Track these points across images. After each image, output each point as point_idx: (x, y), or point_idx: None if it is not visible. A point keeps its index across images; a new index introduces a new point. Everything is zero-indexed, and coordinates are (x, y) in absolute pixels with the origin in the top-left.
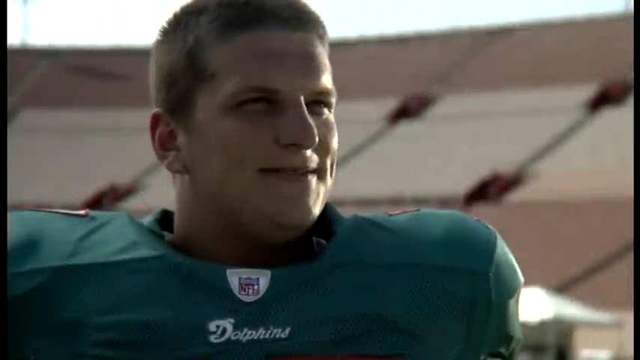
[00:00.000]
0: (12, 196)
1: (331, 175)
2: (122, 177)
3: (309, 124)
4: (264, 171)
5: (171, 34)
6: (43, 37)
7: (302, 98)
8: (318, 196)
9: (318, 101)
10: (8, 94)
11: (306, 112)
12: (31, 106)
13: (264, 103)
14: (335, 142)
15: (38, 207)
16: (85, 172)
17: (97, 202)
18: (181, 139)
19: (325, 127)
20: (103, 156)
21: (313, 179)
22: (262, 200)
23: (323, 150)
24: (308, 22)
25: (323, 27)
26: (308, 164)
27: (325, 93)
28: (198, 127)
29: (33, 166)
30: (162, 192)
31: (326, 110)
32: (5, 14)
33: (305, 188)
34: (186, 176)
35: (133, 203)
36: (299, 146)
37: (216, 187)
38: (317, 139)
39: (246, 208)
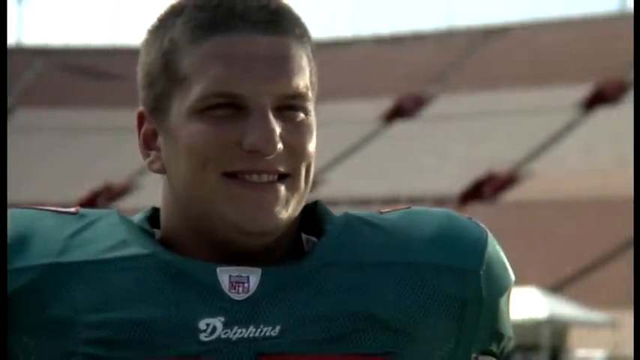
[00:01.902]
0: (8, 194)
1: (307, 180)
2: (117, 176)
3: (270, 131)
4: (227, 175)
5: (154, 34)
6: (38, 36)
7: (267, 103)
8: (288, 203)
9: (290, 105)
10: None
11: (269, 118)
12: (27, 105)
13: (230, 108)
14: (311, 147)
15: (32, 205)
16: (80, 172)
17: (92, 202)
18: (160, 139)
19: (298, 131)
20: (98, 155)
21: (281, 187)
22: (226, 207)
23: (294, 155)
24: (282, 24)
25: (301, 28)
26: (274, 168)
27: (297, 96)
28: (171, 129)
29: (28, 165)
30: (156, 192)
31: (300, 114)
32: (5, 14)
33: (270, 196)
34: (166, 176)
35: (128, 202)
36: (260, 153)
37: (185, 191)
38: (279, 146)
39: (212, 214)
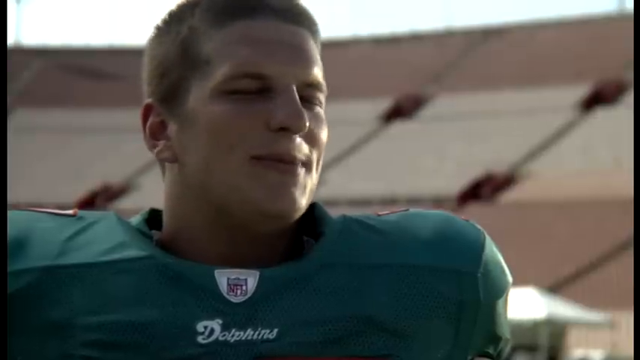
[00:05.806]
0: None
1: (317, 170)
2: (115, 177)
3: (300, 109)
4: (253, 158)
5: (166, 28)
6: (36, 36)
7: (293, 86)
8: (305, 189)
9: (308, 96)
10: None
11: (297, 97)
12: (25, 105)
13: (256, 90)
14: (324, 137)
15: (30, 206)
16: (78, 172)
17: (90, 202)
18: (172, 127)
19: (315, 119)
20: (96, 156)
21: (302, 171)
22: (249, 188)
23: (312, 142)
24: (300, 17)
25: (315, 25)
26: (297, 151)
27: (315, 86)
28: (190, 114)
29: (26, 165)
30: (155, 192)
31: (317, 106)
32: (5, 14)
33: (292, 178)
34: (175, 167)
35: (125, 203)
36: (289, 130)
37: (205, 175)
38: (307, 124)
39: (233, 196)
